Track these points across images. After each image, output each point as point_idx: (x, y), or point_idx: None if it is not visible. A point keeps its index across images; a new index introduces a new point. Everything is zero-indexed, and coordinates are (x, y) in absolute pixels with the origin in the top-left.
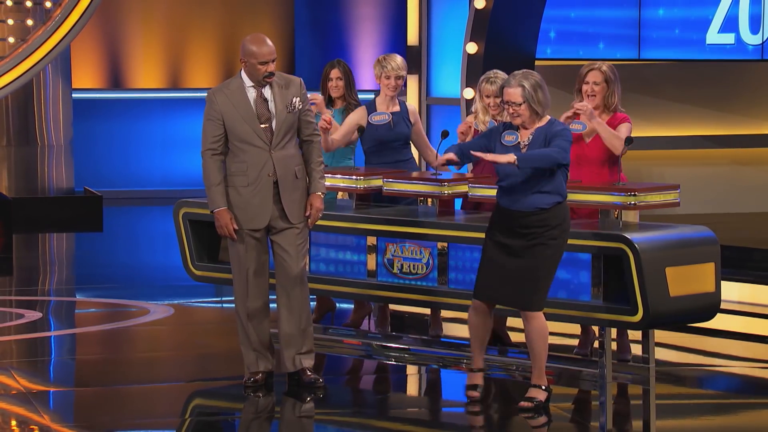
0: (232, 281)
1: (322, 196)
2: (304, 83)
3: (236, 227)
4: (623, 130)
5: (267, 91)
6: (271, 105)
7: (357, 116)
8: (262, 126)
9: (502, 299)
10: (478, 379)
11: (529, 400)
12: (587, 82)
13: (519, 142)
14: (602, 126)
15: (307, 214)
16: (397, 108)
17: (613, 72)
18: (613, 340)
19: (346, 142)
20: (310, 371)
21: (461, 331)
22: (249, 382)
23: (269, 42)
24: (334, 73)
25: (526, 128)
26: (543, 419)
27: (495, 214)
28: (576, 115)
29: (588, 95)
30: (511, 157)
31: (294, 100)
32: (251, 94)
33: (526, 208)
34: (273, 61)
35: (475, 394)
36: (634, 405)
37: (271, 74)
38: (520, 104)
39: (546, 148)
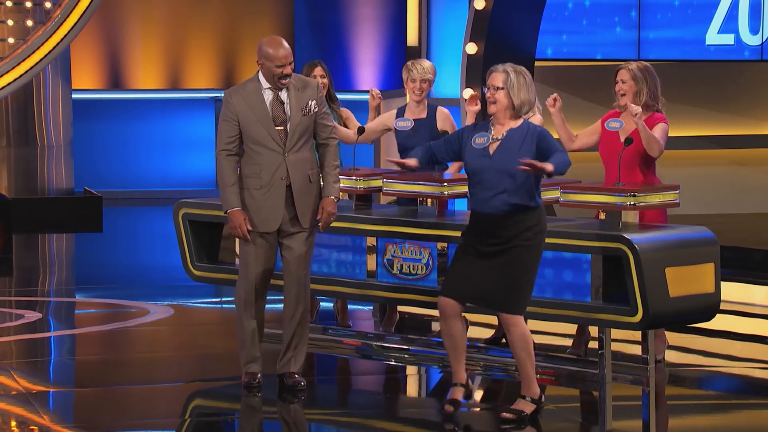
0: (236, 281)
1: (336, 200)
2: None
3: (249, 228)
4: (657, 131)
5: (283, 94)
6: (287, 107)
7: (385, 117)
8: (278, 128)
9: (476, 299)
10: (459, 394)
11: (514, 412)
12: (617, 81)
13: (489, 144)
14: (643, 128)
15: (319, 217)
16: (423, 115)
17: (643, 71)
18: (636, 342)
19: (372, 139)
20: (297, 374)
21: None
22: (248, 382)
23: (286, 45)
24: (318, 71)
25: (500, 124)
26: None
27: (470, 220)
28: (617, 113)
29: (619, 94)
30: (549, 166)
31: (310, 103)
32: (267, 96)
33: (497, 211)
34: (290, 64)
35: (451, 409)
36: (634, 405)
37: (287, 77)
38: (499, 89)
39: (552, 155)
